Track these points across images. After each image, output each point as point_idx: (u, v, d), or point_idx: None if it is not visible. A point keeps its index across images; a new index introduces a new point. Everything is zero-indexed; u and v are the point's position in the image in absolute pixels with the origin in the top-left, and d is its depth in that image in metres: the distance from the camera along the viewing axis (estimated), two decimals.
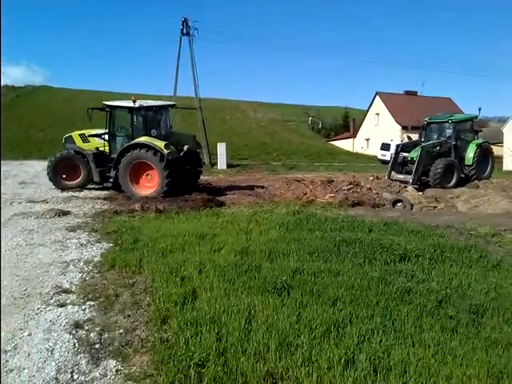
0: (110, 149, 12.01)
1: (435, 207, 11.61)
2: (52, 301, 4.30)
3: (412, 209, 11.34)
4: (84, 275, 5.06)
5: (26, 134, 31.74)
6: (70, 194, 11.73)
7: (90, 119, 11.53)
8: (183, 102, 20.77)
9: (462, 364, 2.98)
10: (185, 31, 23.32)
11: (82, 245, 6.43)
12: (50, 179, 12.51)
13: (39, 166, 18.97)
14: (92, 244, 6.49)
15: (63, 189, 12.24)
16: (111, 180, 11.72)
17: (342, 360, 2.97)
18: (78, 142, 12.52)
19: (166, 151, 10.83)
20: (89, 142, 12.48)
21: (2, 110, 34.10)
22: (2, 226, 7.32)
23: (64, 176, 12.46)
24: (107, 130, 12.01)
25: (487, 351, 3.15)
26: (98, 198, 11.16)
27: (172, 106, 13.35)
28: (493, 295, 4.09)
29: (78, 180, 12.49)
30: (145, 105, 11.76)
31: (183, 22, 23.25)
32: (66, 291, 4.55)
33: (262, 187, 14.38)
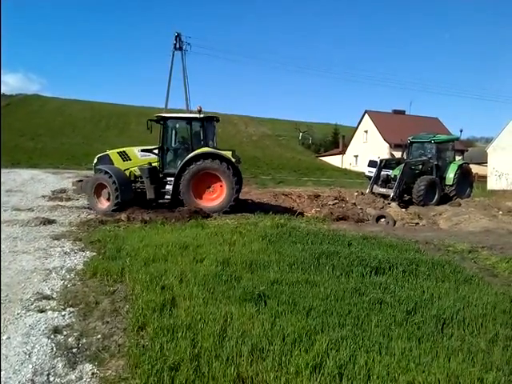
0: (162, 163, 11.22)
1: (417, 223, 11.89)
2: (32, 306, 4.36)
3: (395, 225, 11.59)
4: (66, 282, 5.13)
5: (15, 142, 31.66)
6: (57, 202, 11.76)
7: (151, 131, 10.72)
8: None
9: (425, 371, 3.12)
10: (178, 46, 23.83)
11: (65, 253, 6.49)
12: (88, 201, 11.22)
13: (27, 175, 18.96)
14: (75, 252, 6.55)
15: (98, 213, 10.39)
16: (167, 196, 10.86)
17: (310, 365, 3.09)
18: (117, 161, 11.27)
19: (233, 159, 10.53)
20: (130, 159, 11.35)
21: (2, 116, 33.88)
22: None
23: (98, 199, 10.91)
24: (160, 145, 11.19)
25: (449, 359, 3.30)
26: (84, 208, 11.18)
27: (217, 120, 12.37)
28: (459, 307, 4.27)
29: (109, 204, 10.69)
30: (204, 115, 11.19)
31: (176, 36, 23.77)
32: (47, 297, 4.61)
33: (250, 200, 14.54)
